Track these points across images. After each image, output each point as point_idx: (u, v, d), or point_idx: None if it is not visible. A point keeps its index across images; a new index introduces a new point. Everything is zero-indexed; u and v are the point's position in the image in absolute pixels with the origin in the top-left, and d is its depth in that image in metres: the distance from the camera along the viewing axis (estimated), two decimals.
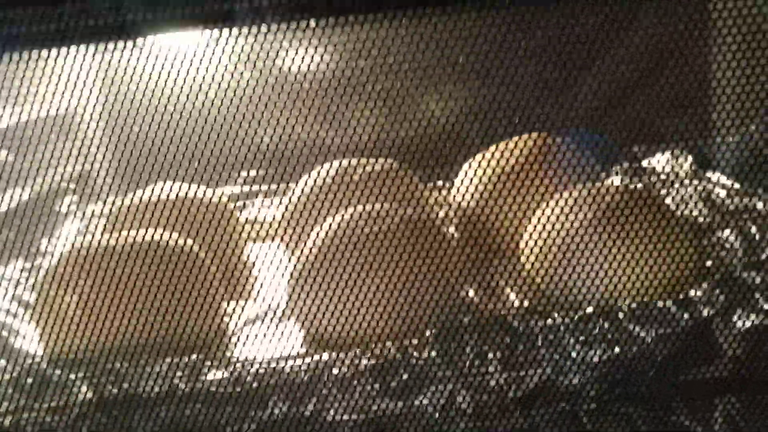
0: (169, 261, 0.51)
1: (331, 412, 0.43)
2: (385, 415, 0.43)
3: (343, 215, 0.54)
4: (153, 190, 0.62)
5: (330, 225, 0.53)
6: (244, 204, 0.74)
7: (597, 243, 0.50)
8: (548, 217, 0.54)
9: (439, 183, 0.73)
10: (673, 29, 0.52)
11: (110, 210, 0.62)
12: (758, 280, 0.43)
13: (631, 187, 0.59)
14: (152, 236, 0.53)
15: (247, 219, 0.72)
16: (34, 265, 0.60)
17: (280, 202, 0.71)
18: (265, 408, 0.43)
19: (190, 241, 0.55)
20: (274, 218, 0.70)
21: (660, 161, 0.71)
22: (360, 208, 0.54)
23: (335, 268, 0.50)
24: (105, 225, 0.62)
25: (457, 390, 0.43)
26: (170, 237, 0.54)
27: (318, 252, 0.52)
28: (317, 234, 0.53)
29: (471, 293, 0.54)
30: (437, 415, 0.42)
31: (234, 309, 0.55)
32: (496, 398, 0.42)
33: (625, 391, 0.43)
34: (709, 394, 0.43)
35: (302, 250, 0.53)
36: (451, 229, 0.66)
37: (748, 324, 0.42)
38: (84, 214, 0.70)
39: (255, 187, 0.77)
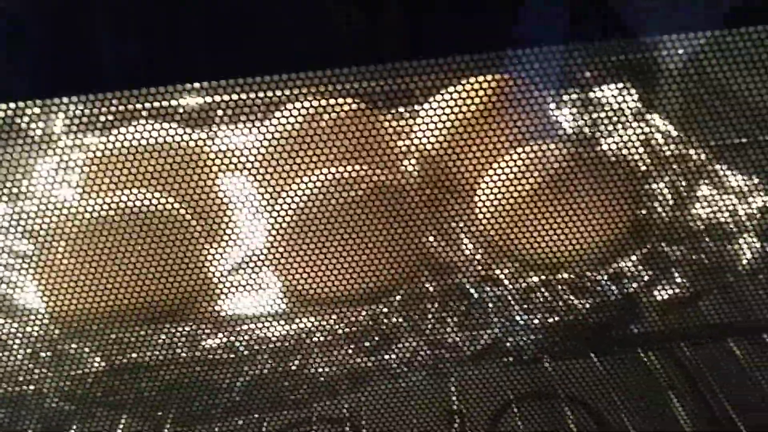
0: (159, 224, 0.55)
1: (313, 367, 0.50)
2: (359, 369, 0.50)
3: (314, 177, 0.58)
4: (122, 134, 0.64)
5: (303, 185, 0.57)
6: (212, 132, 0.76)
7: (543, 203, 0.56)
8: (502, 172, 0.59)
9: (401, 111, 0.76)
10: None
11: (85, 157, 0.64)
12: (678, 254, 0.50)
13: (581, 151, 0.62)
14: (132, 199, 0.56)
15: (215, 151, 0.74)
16: (20, 208, 0.63)
17: (247, 136, 0.74)
18: (255, 365, 0.49)
19: (170, 199, 0.58)
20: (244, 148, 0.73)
21: (607, 93, 0.75)
22: (331, 168, 0.58)
23: (310, 230, 0.55)
24: (82, 170, 0.65)
25: (420, 347, 0.50)
26: (148, 197, 0.57)
27: (292, 214, 0.56)
28: (292, 193, 0.58)
29: (431, 239, 0.60)
30: (402, 368, 0.50)
31: (217, 255, 0.60)
32: (453, 353, 0.50)
33: (564, 347, 0.50)
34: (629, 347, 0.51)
35: (278, 207, 0.58)
36: (412, 163, 0.71)
37: (665, 296, 0.49)
38: (57, 147, 0.72)
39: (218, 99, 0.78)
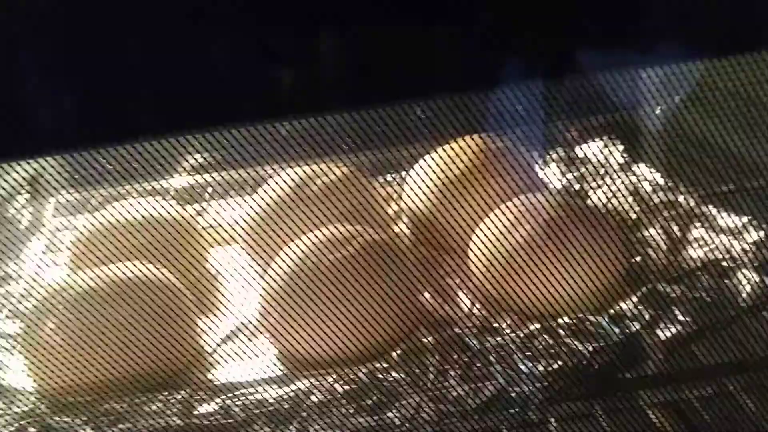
0: (149, 294, 0.54)
1: (313, 429, 0.48)
2: (360, 429, 0.48)
3: (306, 240, 0.57)
4: (114, 209, 0.64)
5: (295, 250, 0.57)
6: (202, 208, 0.76)
7: (538, 255, 0.55)
8: (493, 227, 0.59)
9: (390, 178, 0.77)
10: None
11: (74, 235, 0.64)
12: (677, 293, 0.50)
13: (571, 203, 0.63)
14: (122, 271, 0.55)
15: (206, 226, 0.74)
16: (6, 290, 0.62)
17: (238, 204, 0.74)
18: (253, 430, 0.48)
19: (163, 271, 0.58)
20: (235, 222, 0.73)
21: (593, 149, 0.76)
22: (323, 230, 0.58)
23: (303, 292, 0.54)
24: (71, 250, 0.64)
25: (422, 402, 0.49)
26: (138, 267, 0.56)
27: (285, 278, 0.56)
28: (284, 257, 0.57)
29: (426, 296, 0.59)
30: (406, 425, 0.48)
31: (209, 326, 0.59)
32: (456, 408, 0.48)
33: (569, 394, 0.49)
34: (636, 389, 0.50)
35: (270, 273, 0.57)
36: (402, 227, 0.71)
37: (668, 334, 0.48)
38: (45, 230, 0.72)
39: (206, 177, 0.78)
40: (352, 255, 0.55)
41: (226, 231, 0.72)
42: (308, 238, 0.58)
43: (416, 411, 0.48)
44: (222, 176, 0.78)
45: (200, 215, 0.75)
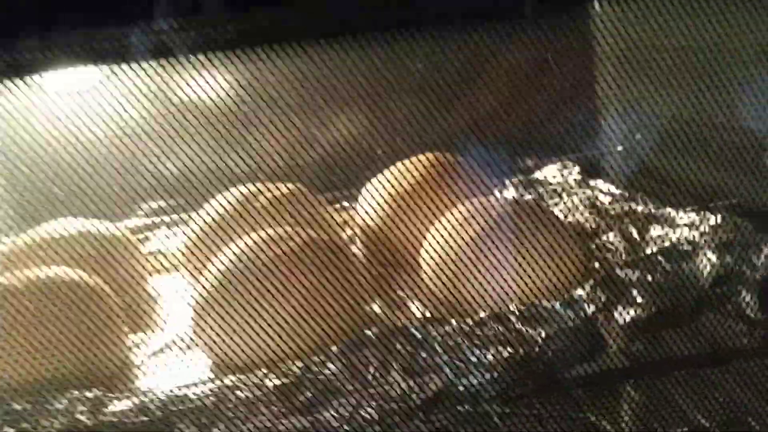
0: (72, 297, 0.51)
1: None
2: (293, 431, 0.43)
3: (242, 241, 0.54)
4: (55, 226, 0.61)
5: (230, 251, 0.54)
6: (146, 236, 0.73)
7: (488, 252, 0.52)
8: (443, 231, 0.56)
9: (345, 203, 0.75)
10: (556, 47, 0.55)
11: (11, 248, 0.60)
12: (634, 277, 0.46)
13: (520, 199, 0.62)
14: (54, 273, 0.52)
15: (150, 252, 0.71)
16: None
17: (183, 233, 0.71)
18: None
19: (91, 277, 0.54)
20: (177, 249, 0.70)
21: (551, 171, 0.74)
22: (260, 232, 0.55)
23: (237, 293, 0.50)
24: (5, 262, 0.60)
25: (362, 401, 0.44)
26: (71, 273, 0.53)
27: (219, 278, 0.52)
28: (219, 260, 0.54)
29: (376, 307, 0.55)
30: (344, 427, 0.43)
31: (139, 341, 0.55)
32: (401, 404, 0.44)
33: (525, 387, 0.45)
34: (601, 384, 0.46)
35: (204, 278, 0.54)
36: (357, 247, 0.68)
37: (627, 318, 0.45)
38: None
39: (158, 219, 0.76)
40: (286, 253, 0.52)
41: (167, 257, 0.69)
42: (243, 240, 0.54)
43: (355, 410, 0.44)
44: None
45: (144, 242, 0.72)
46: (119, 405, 0.42)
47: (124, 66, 0.43)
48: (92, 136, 0.45)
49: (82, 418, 0.41)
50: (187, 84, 0.48)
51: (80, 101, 0.44)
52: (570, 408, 0.47)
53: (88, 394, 0.43)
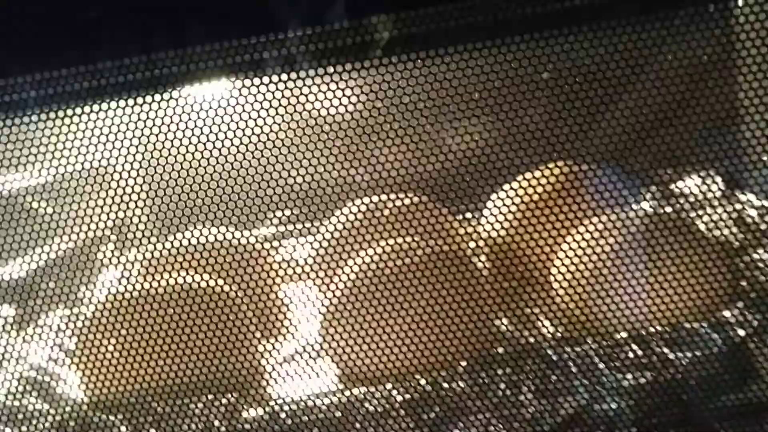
0: (205, 304, 0.52)
1: None
2: None
3: (370, 252, 0.54)
4: (188, 236, 0.64)
5: (358, 262, 0.54)
6: (279, 245, 0.75)
7: (626, 269, 0.50)
8: (577, 245, 0.54)
9: (468, 215, 0.74)
10: (697, 52, 0.52)
11: (145, 257, 0.64)
12: None
13: (659, 211, 0.59)
14: (187, 281, 0.54)
15: (281, 260, 0.73)
16: (75, 312, 0.62)
17: (312, 242, 0.72)
18: None
19: (224, 284, 0.56)
20: (306, 258, 0.71)
21: (689, 185, 0.70)
22: (387, 243, 0.55)
23: (366, 304, 0.50)
24: (141, 271, 0.64)
25: (491, 421, 0.43)
26: (205, 281, 0.55)
27: (348, 289, 0.52)
28: (347, 271, 0.54)
29: (505, 323, 0.54)
30: None
31: (270, 349, 0.56)
32: (531, 428, 0.42)
33: (664, 417, 0.42)
34: (751, 417, 0.42)
35: (333, 287, 0.54)
36: (482, 261, 0.66)
37: None
38: (122, 262, 0.72)
39: (289, 227, 0.78)
40: (411, 265, 0.52)
41: (297, 266, 0.71)
42: (368, 251, 0.55)
43: (485, 429, 0.42)
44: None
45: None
46: (252, 412, 0.43)
47: (256, 78, 0.45)
48: (228, 145, 0.47)
49: (217, 423, 0.43)
50: (314, 95, 0.49)
51: (214, 113, 0.46)
52: None
53: (223, 400, 0.44)
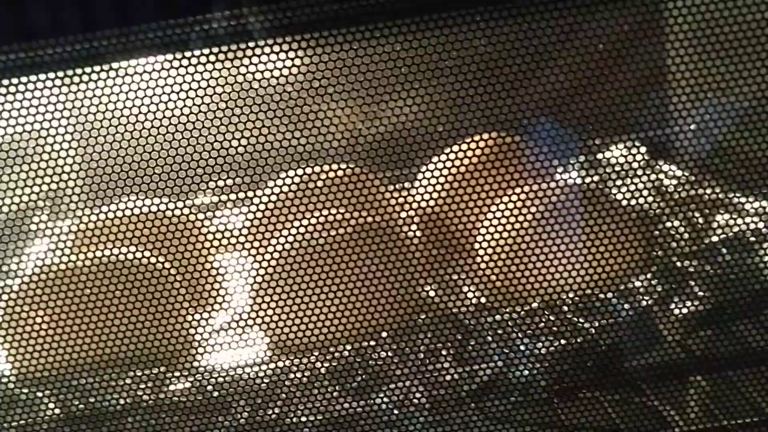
0: (133, 277, 0.53)
1: (294, 415, 0.44)
2: (346, 415, 0.44)
3: (302, 222, 0.55)
4: (119, 206, 0.63)
5: (287, 235, 0.55)
6: (212, 215, 0.75)
7: (545, 238, 0.52)
8: (501, 213, 0.55)
9: (400, 185, 0.75)
10: (626, 21, 0.53)
11: (76, 228, 0.63)
12: (692, 268, 0.45)
13: (578, 182, 0.61)
14: (114, 253, 0.54)
15: (214, 230, 0.73)
16: (0, 285, 0.61)
17: (244, 213, 0.72)
18: (229, 415, 0.44)
19: (153, 256, 0.56)
20: (239, 228, 0.72)
21: (615, 154, 0.73)
22: (320, 213, 0.56)
23: (294, 275, 0.51)
24: (70, 243, 0.63)
25: (411, 387, 0.44)
26: (133, 253, 0.55)
27: (277, 260, 0.53)
28: (277, 243, 0.55)
29: (430, 293, 0.55)
30: (395, 412, 0.44)
31: (199, 320, 0.56)
32: (450, 393, 0.44)
33: (574, 381, 0.44)
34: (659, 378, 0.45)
35: (263, 258, 0.55)
36: (412, 230, 0.68)
37: (684, 311, 0.44)
38: (52, 233, 0.71)
39: (221, 198, 0.78)
40: (348, 236, 0.53)
41: (229, 237, 0.71)
42: (299, 222, 0.55)
43: (406, 395, 0.44)
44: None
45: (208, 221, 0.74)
46: (179, 384, 0.44)
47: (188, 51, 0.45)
48: (161, 116, 0.47)
49: (145, 396, 0.43)
50: (253, 65, 0.49)
51: (147, 83, 0.46)
52: (629, 394, 0.46)
53: (151, 373, 0.45)
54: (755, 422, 0.45)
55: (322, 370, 0.45)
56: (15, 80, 0.45)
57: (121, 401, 0.43)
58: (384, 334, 0.46)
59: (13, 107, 0.46)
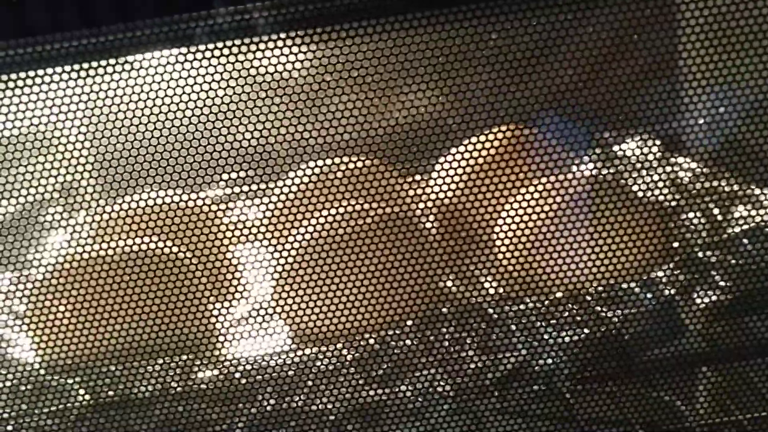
0: (156, 267, 0.53)
1: (318, 403, 0.45)
2: (370, 403, 0.45)
3: (321, 214, 0.56)
4: (139, 198, 0.64)
5: (310, 223, 0.55)
6: (231, 206, 0.76)
7: (565, 231, 0.52)
8: (519, 206, 0.56)
9: (418, 177, 0.75)
10: (639, 14, 0.54)
11: (94, 220, 0.64)
12: (714, 259, 0.45)
13: (597, 175, 0.61)
14: (138, 244, 0.55)
15: (233, 221, 0.74)
16: (24, 275, 0.62)
17: (264, 204, 0.73)
18: (255, 403, 0.45)
19: (175, 247, 0.57)
20: (258, 220, 0.72)
21: (630, 146, 0.73)
22: (338, 208, 0.56)
23: (316, 266, 0.52)
24: (92, 234, 0.64)
25: (436, 376, 0.45)
26: (156, 243, 0.56)
27: (299, 251, 0.54)
28: (298, 234, 0.55)
29: (449, 284, 0.56)
30: (419, 400, 0.45)
31: (222, 310, 0.57)
32: (474, 382, 0.45)
33: (598, 371, 0.45)
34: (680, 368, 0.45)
35: (284, 250, 0.55)
36: (430, 222, 0.68)
37: (707, 301, 0.44)
38: (70, 224, 0.71)
39: (238, 189, 0.79)
40: (365, 229, 0.53)
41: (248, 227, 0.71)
42: (318, 214, 0.56)
43: (431, 384, 0.45)
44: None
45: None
46: (207, 372, 0.45)
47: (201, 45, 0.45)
48: (177, 110, 0.48)
49: (173, 384, 0.44)
50: (266, 59, 0.50)
51: (161, 76, 0.46)
52: (644, 388, 0.46)
53: (178, 361, 0.45)
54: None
55: (347, 359, 0.45)
56: (22, 74, 0.45)
57: (150, 388, 0.43)
58: (408, 323, 0.46)
59: (26, 101, 0.47)
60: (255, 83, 0.50)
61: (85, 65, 0.43)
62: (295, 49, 0.47)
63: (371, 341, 0.46)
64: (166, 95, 0.47)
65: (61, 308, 0.50)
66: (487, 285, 0.56)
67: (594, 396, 0.46)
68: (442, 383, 0.45)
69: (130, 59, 0.45)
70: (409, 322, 0.46)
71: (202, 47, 0.44)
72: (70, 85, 0.45)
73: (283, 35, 0.46)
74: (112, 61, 0.45)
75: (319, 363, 0.45)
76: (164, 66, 0.46)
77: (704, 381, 0.48)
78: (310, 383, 0.45)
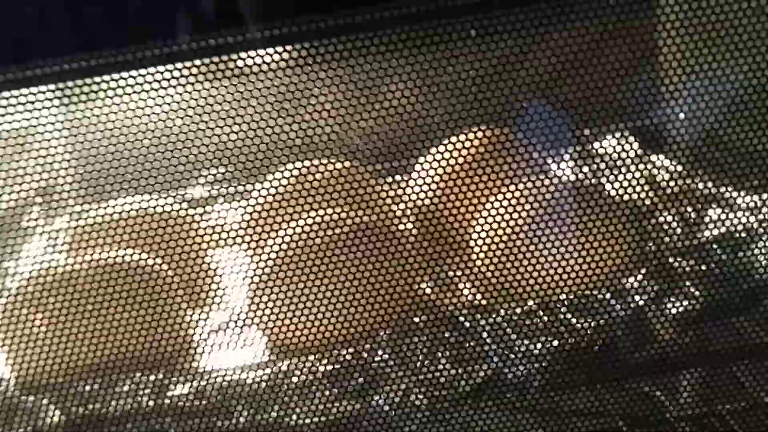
0: (132, 279, 0.53)
1: (293, 416, 0.45)
2: (345, 416, 0.45)
3: (296, 220, 0.55)
4: (115, 204, 0.63)
5: (284, 234, 0.55)
6: (208, 211, 0.75)
7: (540, 236, 0.52)
8: (495, 210, 0.56)
9: (397, 178, 0.75)
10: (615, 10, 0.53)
11: (70, 228, 0.63)
12: (688, 267, 0.46)
13: (573, 178, 0.61)
14: (114, 256, 0.54)
15: (210, 226, 0.73)
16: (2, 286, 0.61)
17: (240, 208, 0.73)
18: (230, 417, 0.45)
19: (150, 258, 0.56)
20: (234, 225, 0.72)
21: (608, 145, 0.73)
22: (315, 215, 0.56)
23: (292, 276, 0.51)
24: (66, 242, 0.63)
25: (410, 388, 0.45)
26: (131, 255, 0.55)
27: (274, 261, 0.53)
28: (273, 243, 0.55)
29: (427, 290, 0.56)
30: (393, 412, 0.45)
31: (199, 318, 0.57)
32: (448, 392, 0.45)
33: (570, 379, 0.45)
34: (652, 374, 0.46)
35: (260, 259, 0.55)
36: (408, 226, 0.68)
37: (680, 309, 0.44)
38: (48, 231, 0.71)
39: (216, 190, 0.78)
40: (340, 238, 0.53)
41: (227, 232, 0.71)
42: (297, 223, 0.56)
43: (405, 395, 0.45)
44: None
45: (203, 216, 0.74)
46: (180, 389, 0.45)
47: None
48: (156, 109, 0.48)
49: (146, 400, 0.44)
50: (248, 60, 0.49)
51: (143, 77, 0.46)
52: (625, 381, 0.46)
53: (152, 377, 0.45)
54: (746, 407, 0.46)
55: (322, 371, 0.45)
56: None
57: (122, 405, 0.43)
58: (382, 334, 0.46)
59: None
60: (230, 85, 0.50)
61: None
62: (276, 57, 0.47)
63: (346, 354, 0.46)
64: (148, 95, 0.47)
65: (32, 321, 0.49)
66: (464, 290, 0.56)
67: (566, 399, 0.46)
68: (416, 394, 0.45)
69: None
70: (383, 335, 0.46)
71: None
72: (41, 97, 0.45)
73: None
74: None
75: (293, 376, 0.45)
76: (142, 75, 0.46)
77: (686, 375, 0.48)
78: (285, 397, 0.45)
